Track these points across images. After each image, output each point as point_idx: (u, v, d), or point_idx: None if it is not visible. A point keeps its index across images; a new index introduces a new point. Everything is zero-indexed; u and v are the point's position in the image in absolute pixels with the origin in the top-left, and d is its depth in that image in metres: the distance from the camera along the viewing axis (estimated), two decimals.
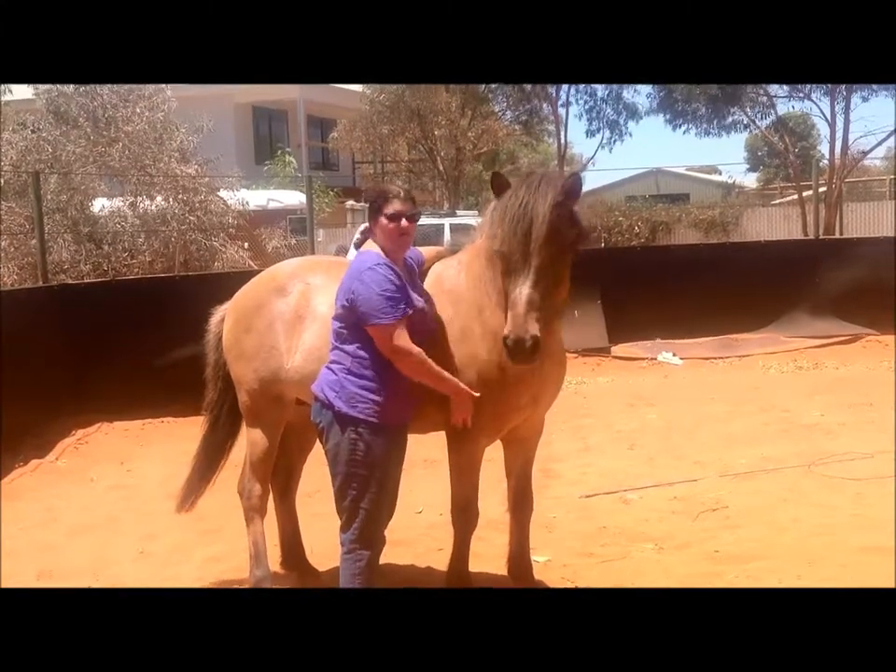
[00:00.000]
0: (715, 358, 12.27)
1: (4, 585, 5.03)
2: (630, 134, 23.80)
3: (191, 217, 13.45)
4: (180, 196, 13.50)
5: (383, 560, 4.31)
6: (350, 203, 23.99)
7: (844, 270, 12.14)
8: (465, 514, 4.41)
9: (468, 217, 17.38)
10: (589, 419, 9.12)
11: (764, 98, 22.65)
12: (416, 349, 3.85)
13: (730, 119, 23.32)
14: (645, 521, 6.11)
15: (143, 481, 7.66)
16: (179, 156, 13.80)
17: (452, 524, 4.49)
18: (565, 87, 22.64)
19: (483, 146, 22.35)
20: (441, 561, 5.03)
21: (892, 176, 28.73)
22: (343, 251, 15.91)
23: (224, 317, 5.03)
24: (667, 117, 23.29)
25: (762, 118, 23.61)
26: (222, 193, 14.43)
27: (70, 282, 10.75)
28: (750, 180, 43.40)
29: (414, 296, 3.99)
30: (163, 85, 14.33)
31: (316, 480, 5.56)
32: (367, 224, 4.25)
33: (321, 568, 5.25)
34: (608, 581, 5.07)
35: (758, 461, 7.33)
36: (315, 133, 30.17)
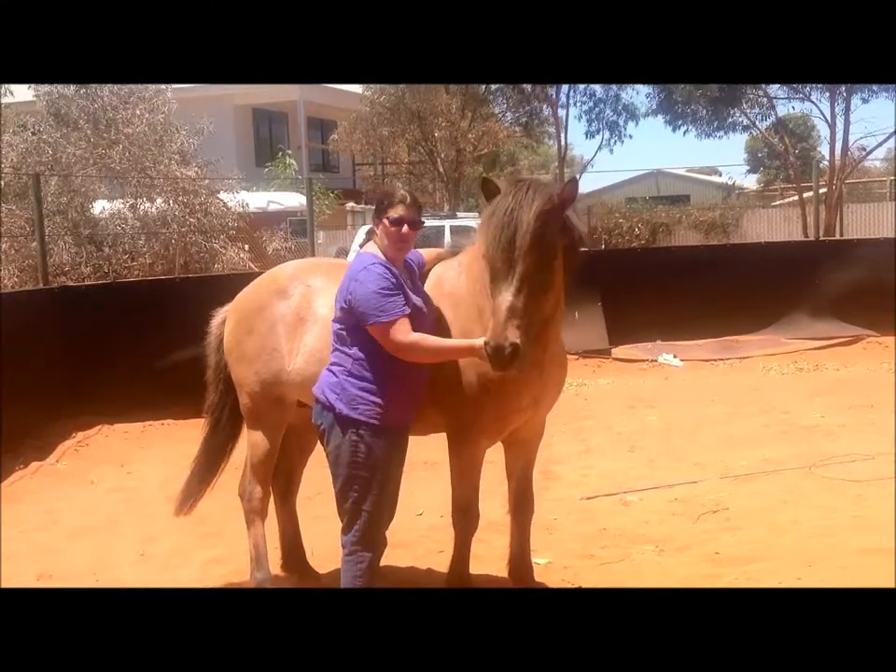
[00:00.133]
0: (715, 360, 12.27)
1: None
2: (630, 136, 23.80)
3: (191, 220, 13.45)
4: (180, 198, 13.50)
5: (383, 562, 4.31)
6: (350, 204, 24.00)
7: (844, 271, 12.15)
8: (465, 516, 4.41)
9: (468, 219, 17.38)
10: (589, 421, 9.12)
11: (764, 99, 22.64)
12: (415, 337, 3.82)
13: (730, 121, 23.31)
14: (645, 523, 6.11)
15: (143, 483, 7.65)
16: (179, 158, 13.80)
17: (452, 525, 4.48)
18: (564, 88, 22.66)
19: (484, 147, 22.36)
20: (441, 563, 5.02)
21: (892, 178, 28.72)
22: (343, 253, 15.94)
23: (225, 319, 5.03)
24: (667, 118, 23.29)
25: (762, 119, 23.62)
26: (222, 195, 14.44)
27: (70, 284, 10.74)
28: (751, 181, 43.40)
29: (414, 297, 3.99)
30: (163, 87, 14.35)
31: (317, 482, 5.56)
32: (370, 226, 4.25)
33: (322, 571, 5.24)
34: (608, 582, 5.07)
35: (758, 463, 7.33)
36: (316, 135, 30.18)
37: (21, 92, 14.96)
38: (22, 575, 5.46)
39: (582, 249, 4.00)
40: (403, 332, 3.81)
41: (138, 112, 13.61)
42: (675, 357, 12.30)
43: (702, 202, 30.61)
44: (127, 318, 9.34)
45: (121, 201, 13.58)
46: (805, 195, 22.25)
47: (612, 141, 23.20)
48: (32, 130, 13.54)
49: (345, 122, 21.72)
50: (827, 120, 22.02)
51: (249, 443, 4.92)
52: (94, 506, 7.06)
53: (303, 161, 26.86)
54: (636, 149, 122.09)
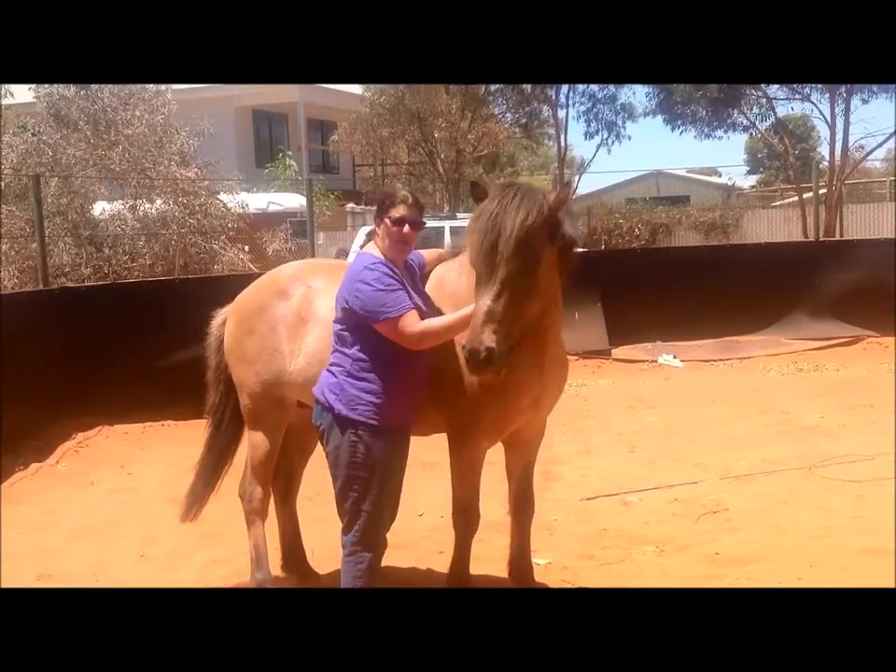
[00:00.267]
0: (715, 360, 12.27)
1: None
2: (629, 137, 23.78)
3: (191, 221, 13.45)
4: (180, 199, 13.50)
5: (383, 563, 4.30)
6: (350, 205, 23.98)
7: (844, 272, 12.16)
8: (466, 517, 4.40)
9: (468, 220, 17.34)
10: (590, 421, 9.12)
11: (764, 100, 22.64)
12: (424, 324, 3.83)
13: (730, 121, 23.30)
14: (645, 523, 6.11)
15: (143, 484, 7.65)
16: (179, 159, 13.80)
17: (453, 526, 4.48)
18: (564, 89, 22.67)
19: (484, 148, 22.37)
20: (441, 564, 5.02)
21: (892, 178, 28.72)
22: (343, 254, 15.93)
23: (225, 320, 5.03)
24: (667, 118, 23.29)
25: (762, 120, 23.60)
26: (222, 196, 14.44)
27: (70, 285, 10.74)
28: (750, 182, 43.41)
29: (415, 298, 4.00)
30: (163, 88, 14.35)
31: (317, 483, 5.56)
32: (370, 227, 4.26)
33: (322, 571, 5.24)
34: (608, 583, 5.06)
35: (758, 463, 7.33)
36: (316, 136, 30.18)
37: (22, 94, 14.97)
38: (22, 576, 5.46)
39: (577, 252, 3.99)
40: (413, 324, 3.82)
41: (138, 113, 13.61)
42: (675, 357, 12.30)
43: (702, 202, 30.61)
44: (127, 319, 9.34)
45: (121, 202, 13.58)
46: (804, 196, 22.24)
47: (610, 141, 23.20)
48: (32, 131, 13.53)
49: (345, 123, 21.71)
50: (827, 121, 22.02)
51: (250, 444, 4.92)
52: (94, 507, 7.06)
53: (303, 162, 26.85)
54: (635, 150, 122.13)
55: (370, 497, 3.97)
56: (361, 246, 4.34)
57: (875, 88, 20.54)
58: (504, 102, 23.85)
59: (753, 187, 38.55)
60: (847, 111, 21.50)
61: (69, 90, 13.64)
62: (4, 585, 5.11)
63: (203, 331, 5.22)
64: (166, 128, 13.98)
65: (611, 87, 22.47)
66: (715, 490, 6.71)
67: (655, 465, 7.53)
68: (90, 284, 11.12)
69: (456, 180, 21.28)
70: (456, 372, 4.06)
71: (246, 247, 14.39)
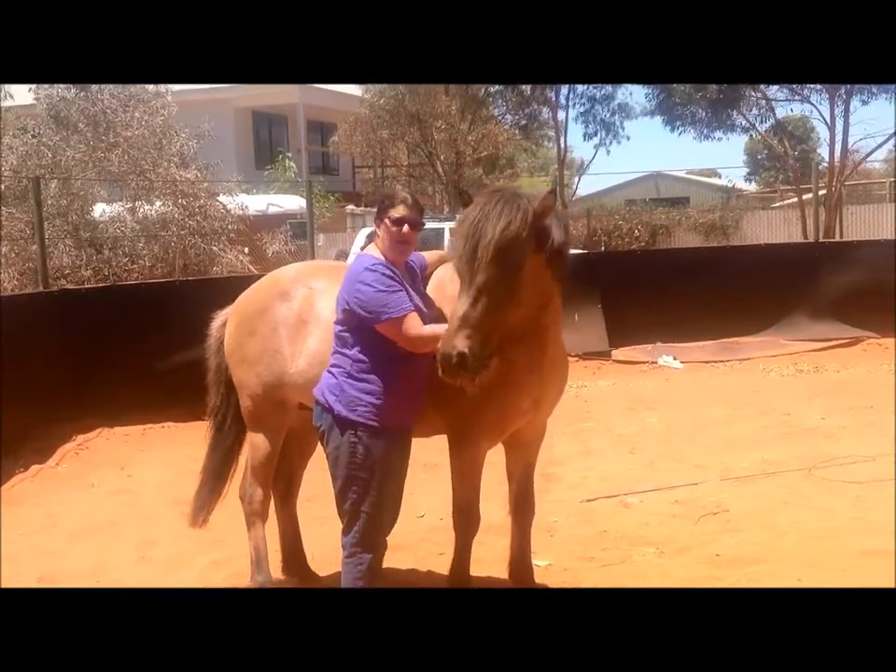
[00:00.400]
0: (715, 362, 12.27)
1: None
2: (628, 137, 23.78)
3: (191, 222, 13.44)
4: (180, 201, 13.50)
5: (383, 564, 4.30)
6: (350, 207, 23.99)
7: (844, 273, 12.15)
8: (466, 518, 4.40)
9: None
10: (590, 423, 9.12)
11: (763, 101, 22.65)
12: (423, 329, 3.84)
13: (729, 123, 23.31)
14: (646, 525, 6.11)
15: (144, 486, 7.65)
16: (179, 161, 13.80)
17: (453, 528, 4.48)
18: (564, 91, 22.69)
19: (483, 150, 22.36)
20: (442, 565, 5.02)
21: (892, 179, 28.73)
22: (343, 255, 15.93)
23: (225, 322, 5.03)
24: (666, 119, 23.30)
25: (761, 121, 23.62)
26: (222, 198, 14.43)
27: (70, 287, 10.74)
28: (750, 184, 43.42)
29: (416, 299, 4.00)
30: (163, 90, 14.34)
31: (317, 484, 5.56)
32: (370, 228, 4.28)
33: (322, 573, 5.24)
34: (608, 584, 5.06)
35: (758, 465, 7.33)
36: (315, 138, 30.18)
37: (22, 95, 14.97)
38: (23, 578, 5.45)
39: (569, 255, 3.97)
40: (415, 326, 3.83)
41: (137, 115, 13.61)
42: (675, 358, 12.29)
43: (701, 203, 30.64)
44: (127, 321, 9.33)
45: (121, 204, 13.58)
46: (804, 197, 22.25)
47: (608, 141, 23.21)
48: (32, 133, 13.53)
49: (345, 124, 21.72)
50: (826, 122, 22.04)
51: (250, 445, 4.92)
52: (95, 509, 7.06)
53: (303, 163, 26.86)
54: (635, 151, 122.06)
55: (369, 499, 3.97)
56: (362, 248, 4.35)
57: (874, 89, 20.55)
58: (504, 103, 23.87)
59: (761, 190, 38.56)
60: (846, 112, 21.51)
61: (69, 91, 13.63)
62: (4, 586, 5.11)
63: (202, 333, 5.21)
64: (166, 130, 13.96)
65: (608, 87, 22.46)
66: (715, 491, 6.71)
67: (655, 466, 7.53)
68: (90, 286, 11.11)
69: (456, 182, 21.27)
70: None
71: (246, 249, 14.39)
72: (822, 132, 31.63)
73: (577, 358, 11.42)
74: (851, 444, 7.70)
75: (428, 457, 6.00)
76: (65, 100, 13.64)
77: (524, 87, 22.09)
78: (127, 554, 5.99)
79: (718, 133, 23.77)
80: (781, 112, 24.62)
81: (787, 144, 23.91)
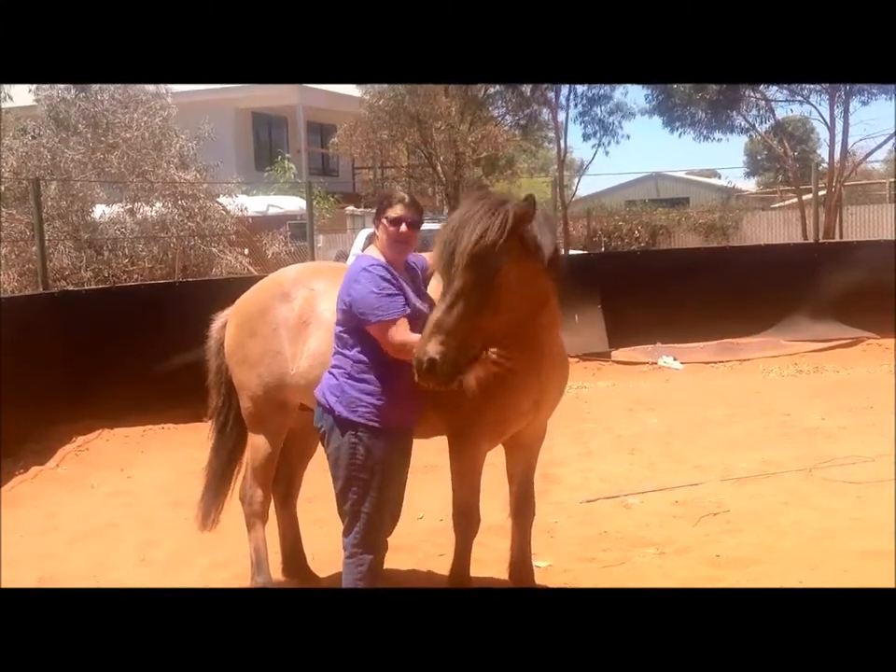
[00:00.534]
0: (715, 362, 12.27)
1: None
2: (627, 136, 23.72)
3: (191, 224, 13.44)
4: (179, 202, 13.50)
5: (384, 565, 4.30)
6: (350, 208, 23.98)
7: (844, 273, 12.16)
8: (466, 519, 4.40)
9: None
10: (590, 424, 9.12)
11: (763, 102, 22.62)
12: (407, 336, 3.82)
13: (729, 123, 23.28)
14: (646, 525, 6.11)
15: (143, 487, 7.65)
16: (178, 162, 13.80)
17: (453, 529, 4.48)
18: (564, 92, 22.66)
19: (483, 151, 22.34)
20: (442, 566, 5.02)
21: (892, 180, 28.72)
22: (343, 257, 15.94)
23: (226, 323, 5.03)
24: (666, 120, 23.28)
25: (761, 122, 23.57)
26: (222, 199, 14.43)
27: (70, 288, 10.74)
28: (750, 184, 43.41)
29: (417, 301, 4.00)
30: (163, 91, 14.34)
31: (317, 485, 5.56)
32: (370, 230, 4.28)
33: (322, 575, 5.24)
34: (609, 585, 5.06)
35: (759, 465, 7.33)
36: (315, 139, 30.17)
37: (22, 97, 14.97)
38: (23, 579, 5.44)
39: (558, 260, 3.93)
40: (402, 333, 3.82)
41: (136, 116, 13.61)
42: (675, 359, 12.30)
43: (701, 204, 30.65)
44: (127, 322, 9.34)
45: (120, 205, 13.58)
46: (804, 197, 22.23)
47: (607, 142, 23.17)
48: (32, 134, 13.53)
49: (345, 125, 21.70)
50: (826, 123, 21.98)
51: (250, 447, 4.92)
52: (95, 510, 7.06)
53: (303, 164, 26.86)
54: (635, 152, 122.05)
55: (369, 499, 3.97)
56: (363, 249, 4.35)
57: (874, 89, 20.51)
58: (504, 104, 23.84)
59: (760, 190, 38.59)
60: (846, 113, 21.46)
61: (69, 92, 13.64)
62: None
63: (202, 334, 5.22)
64: (165, 131, 13.97)
65: (605, 87, 22.43)
66: (715, 492, 6.72)
67: (656, 467, 7.53)
68: (89, 287, 11.12)
69: (456, 183, 21.24)
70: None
71: (246, 250, 14.39)
72: (822, 132, 31.57)
73: (577, 359, 11.42)
74: (851, 445, 7.70)
75: (429, 459, 5.99)
76: (65, 101, 13.64)
77: (523, 88, 22.05)
78: (127, 556, 5.99)
79: (717, 134, 23.73)
80: (781, 113, 24.57)
81: (787, 144, 23.85)
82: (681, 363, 12.21)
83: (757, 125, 23.61)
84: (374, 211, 4.18)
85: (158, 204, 13.51)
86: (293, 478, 5.28)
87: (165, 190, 13.48)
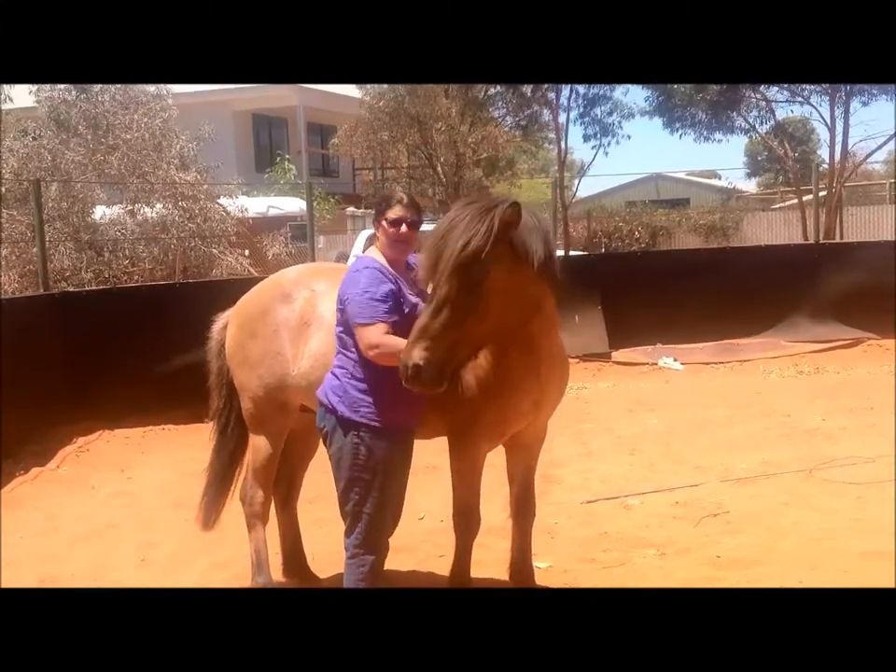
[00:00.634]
0: (716, 363, 12.27)
1: None
2: (628, 136, 23.68)
3: (191, 225, 13.45)
4: (180, 203, 13.50)
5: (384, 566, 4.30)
6: (350, 209, 23.99)
7: (844, 274, 12.16)
8: (466, 520, 4.40)
9: None
10: (590, 424, 9.12)
11: (763, 103, 22.61)
12: (384, 339, 3.81)
13: (729, 124, 23.28)
14: (646, 526, 6.11)
15: (144, 488, 7.65)
16: (179, 163, 13.81)
17: (453, 529, 4.48)
18: (565, 93, 22.66)
19: (483, 152, 22.34)
20: (442, 567, 5.01)
21: (892, 180, 28.71)
22: (343, 258, 15.93)
23: (226, 324, 5.03)
24: (666, 121, 23.27)
25: (761, 122, 23.57)
26: (222, 201, 14.43)
27: (71, 289, 10.75)
28: (750, 185, 43.41)
29: (419, 302, 4.00)
30: (163, 92, 14.35)
31: (318, 486, 5.57)
32: (370, 231, 4.28)
33: (323, 576, 5.24)
34: (609, 586, 5.06)
35: (759, 466, 7.33)
36: (315, 140, 30.15)
37: (22, 98, 14.97)
38: (24, 581, 5.44)
39: (552, 264, 3.90)
40: (375, 337, 3.83)
41: (136, 117, 13.61)
42: (675, 360, 12.29)
43: (702, 205, 30.64)
44: (127, 323, 9.35)
45: (121, 206, 13.58)
46: (804, 198, 22.23)
47: (607, 142, 23.16)
48: (32, 135, 13.54)
49: (346, 126, 21.70)
50: (826, 123, 21.98)
51: (251, 448, 4.93)
52: (95, 511, 7.06)
53: (303, 165, 26.85)
54: (635, 153, 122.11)
55: (371, 500, 3.97)
56: (363, 251, 4.35)
57: (874, 90, 20.51)
58: (504, 105, 23.84)
59: (761, 191, 38.60)
60: (846, 113, 21.45)
61: (70, 93, 13.64)
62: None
63: (203, 335, 5.22)
64: (165, 132, 13.97)
65: (605, 87, 22.42)
66: (716, 493, 6.71)
67: (656, 468, 7.53)
68: (90, 288, 11.13)
69: (456, 184, 21.24)
70: (455, 375, 4.07)
71: (246, 251, 14.39)
72: (822, 133, 31.55)
73: (577, 360, 11.42)
74: (852, 445, 7.70)
75: (429, 459, 6.00)
76: (66, 102, 13.65)
77: (524, 88, 22.05)
78: (127, 557, 5.99)
79: (718, 135, 23.73)
80: (781, 113, 24.57)
81: (787, 145, 23.85)
82: (682, 364, 12.20)
83: (757, 126, 23.62)
84: (374, 212, 4.18)
85: (158, 206, 13.52)
86: (294, 479, 5.27)
87: (166, 192, 13.49)
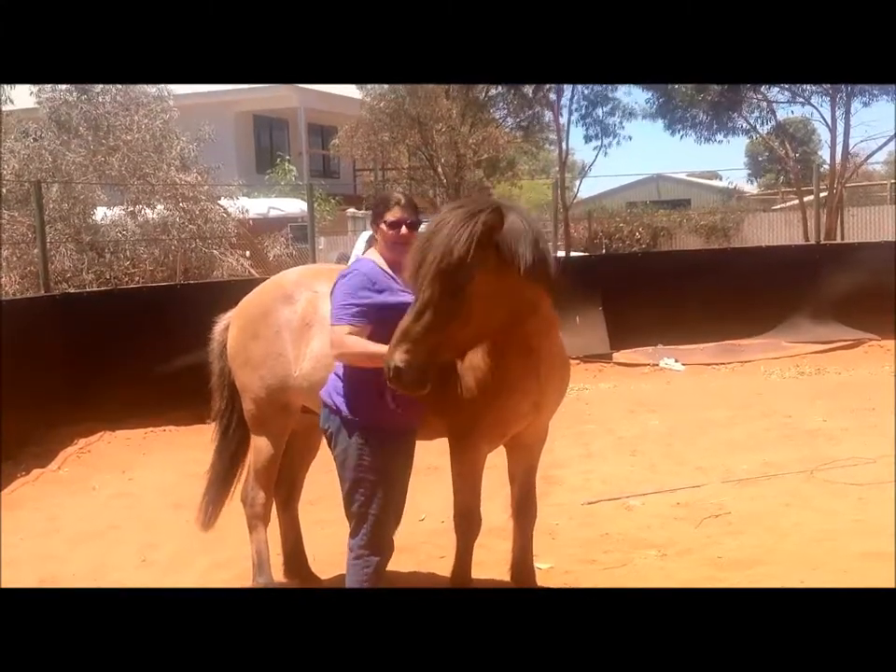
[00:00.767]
0: (717, 364, 12.26)
1: None
2: (629, 137, 23.69)
3: (192, 226, 13.45)
4: (181, 205, 13.51)
5: None
6: (351, 210, 24.00)
7: (845, 274, 12.16)
8: (467, 521, 4.40)
9: None
10: (591, 425, 9.12)
11: (764, 103, 22.61)
12: (345, 342, 3.85)
13: (730, 125, 23.28)
14: (647, 527, 6.11)
15: (145, 489, 7.65)
16: (180, 164, 13.81)
17: (454, 530, 4.47)
18: (566, 94, 22.66)
19: (484, 152, 22.35)
20: (443, 568, 5.01)
21: (893, 181, 28.71)
22: (344, 259, 15.94)
23: (228, 325, 5.03)
24: (667, 122, 23.28)
25: (762, 123, 23.57)
26: (223, 202, 14.44)
27: (72, 291, 10.75)
28: (751, 186, 43.41)
29: (403, 298, 4.00)
30: (164, 94, 14.36)
31: (319, 487, 5.57)
32: (370, 232, 4.27)
33: (324, 576, 5.24)
34: (610, 587, 5.05)
35: (760, 467, 7.32)
36: (316, 141, 30.16)
37: (23, 99, 14.98)
38: (24, 581, 5.44)
39: (544, 268, 3.87)
40: (337, 337, 3.88)
41: (137, 118, 13.62)
42: (676, 361, 12.29)
43: (703, 206, 30.64)
44: (128, 325, 9.35)
45: (121, 207, 13.59)
46: (805, 199, 22.23)
47: (608, 143, 23.16)
48: (33, 136, 13.54)
49: (346, 127, 21.71)
50: (827, 124, 21.98)
51: (253, 449, 4.93)
52: (96, 512, 7.06)
53: (304, 166, 26.86)
54: (636, 154, 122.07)
55: (377, 500, 3.97)
56: (363, 253, 4.36)
57: (875, 90, 20.52)
58: (505, 106, 23.84)
59: (751, 181, 38.64)
60: (847, 114, 21.45)
61: (71, 94, 13.65)
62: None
63: (204, 336, 5.22)
64: (166, 133, 13.98)
65: (606, 88, 22.42)
66: (717, 494, 6.71)
67: (657, 468, 7.52)
68: (91, 289, 11.13)
69: (457, 185, 21.24)
70: (454, 376, 4.07)
71: (247, 253, 14.40)
72: (823, 133, 31.54)
73: (578, 361, 11.41)
74: (853, 446, 7.70)
75: (430, 460, 6.00)
76: (67, 104, 13.66)
77: (525, 89, 22.07)
78: (128, 557, 5.99)
79: (719, 136, 23.73)
80: (782, 114, 24.56)
81: (788, 146, 23.85)
82: (682, 365, 12.19)
83: (758, 126, 23.62)
84: (370, 215, 4.18)
85: (159, 207, 13.53)
86: (295, 480, 5.27)
87: (166, 193, 13.50)
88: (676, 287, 12.21)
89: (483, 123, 22.07)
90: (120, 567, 5.83)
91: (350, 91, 23.76)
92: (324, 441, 4.29)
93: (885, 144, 22.75)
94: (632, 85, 22.02)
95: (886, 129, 30.37)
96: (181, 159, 13.87)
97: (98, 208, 13.47)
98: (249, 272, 13.45)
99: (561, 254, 15.12)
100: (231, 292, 5.44)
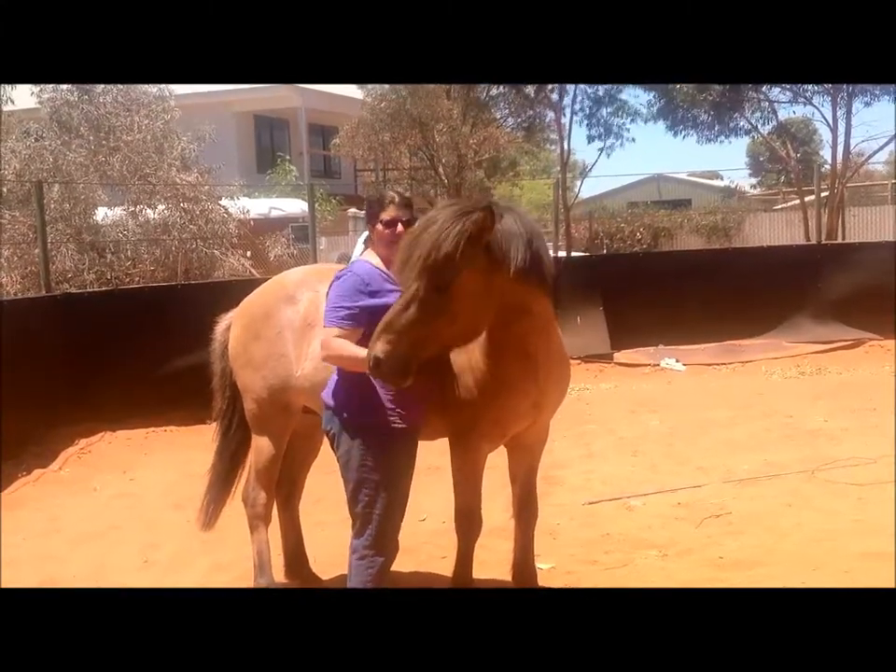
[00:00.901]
0: (718, 364, 12.25)
1: None
2: (632, 139, 23.72)
3: (193, 226, 13.45)
4: (181, 205, 13.50)
5: None
6: (352, 210, 23.99)
7: (846, 274, 12.17)
8: (468, 521, 4.40)
9: None
10: (592, 425, 9.12)
11: (766, 104, 22.61)
12: (331, 344, 3.87)
13: (732, 125, 23.28)
14: (648, 527, 6.10)
15: (146, 489, 7.65)
16: (180, 165, 13.81)
17: (455, 531, 4.47)
18: (567, 93, 22.67)
19: (485, 153, 22.35)
20: (444, 568, 5.01)
21: (894, 181, 28.70)
22: (345, 259, 15.93)
23: (230, 326, 5.03)
24: (668, 122, 23.28)
25: (763, 123, 23.57)
26: (224, 202, 14.43)
27: (73, 291, 10.75)
28: (753, 188, 43.40)
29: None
30: (165, 94, 14.36)
31: (320, 488, 5.57)
32: (368, 233, 4.27)
33: (324, 577, 5.24)
34: (611, 587, 5.05)
35: (761, 467, 7.32)
36: (317, 141, 30.16)
37: (24, 99, 14.98)
38: (25, 581, 5.45)
39: (539, 268, 3.83)
40: (325, 339, 3.90)
41: (138, 119, 13.62)
42: (677, 361, 12.28)
43: (703, 206, 30.64)
44: (129, 325, 9.35)
45: (122, 208, 13.59)
46: (806, 199, 22.22)
47: (610, 144, 23.16)
48: (35, 136, 13.54)
49: (347, 127, 21.71)
50: (829, 124, 21.98)
51: (254, 449, 4.93)
52: (97, 512, 7.06)
53: (305, 167, 26.86)
54: (637, 154, 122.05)
55: (381, 500, 3.96)
56: (361, 254, 4.36)
57: (877, 90, 20.52)
58: (506, 106, 23.85)
59: (754, 186, 38.61)
60: (848, 114, 21.45)
61: (72, 94, 13.65)
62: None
63: (205, 337, 5.22)
64: (167, 133, 13.98)
65: (612, 90, 22.44)
66: (718, 494, 6.71)
67: (658, 469, 7.52)
68: (92, 290, 11.13)
69: (458, 185, 21.24)
70: (454, 376, 4.08)
71: (248, 253, 14.39)
72: (825, 133, 31.61)
73: (579, 361, 11.41)
74: (853, 446, 7.69)
75: (432, 460, 5.99)
76: (68, 104, 13.65)
77: (527, 89, 22.07)
78: (129, 558, 5.99)
79: (720, 136, 23.72)
80: (783, 114, 24.59)
81: (789, 146, 23.85)
82: (683, 365, 12.19)
83: (759, 127, 23.63)
84: (365, 215, 4.17)
85: (160, 207, 13.52)
86: (296, 480, 5.27)
87: (167, 193, 13.49)
88: (677, 288, 12.21)
89: (484, 123, 22.07)
90: (121, 567, 5.83)
91: (351, 91, 23.77)
92: (325, 441, 4.29)
93: (886, 144, 22.76)
94: (633, 85, 22.00)
95: (887, 129, 30.44)
96: (182, 159, 13.86)
97: (99, 208, 13.46)
98: (250, 272, 13.44)
99: (562, 254, 15.13)
100: (232, 292, 5.44)
